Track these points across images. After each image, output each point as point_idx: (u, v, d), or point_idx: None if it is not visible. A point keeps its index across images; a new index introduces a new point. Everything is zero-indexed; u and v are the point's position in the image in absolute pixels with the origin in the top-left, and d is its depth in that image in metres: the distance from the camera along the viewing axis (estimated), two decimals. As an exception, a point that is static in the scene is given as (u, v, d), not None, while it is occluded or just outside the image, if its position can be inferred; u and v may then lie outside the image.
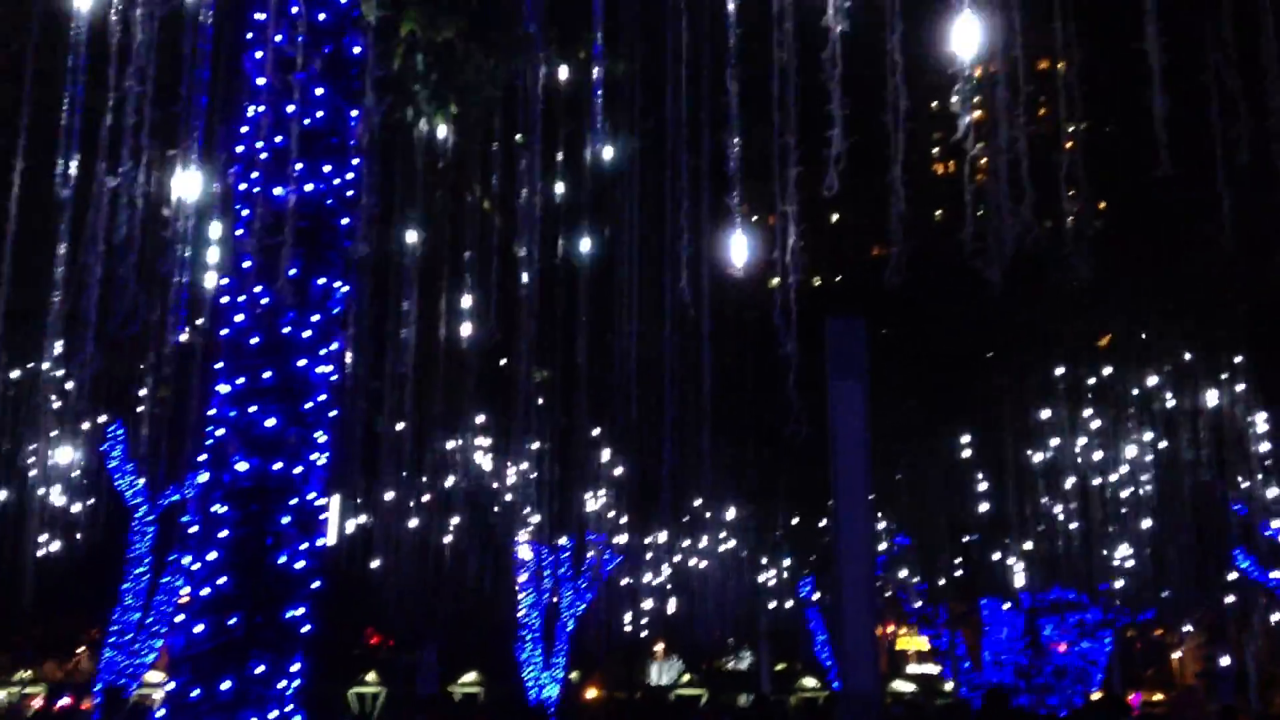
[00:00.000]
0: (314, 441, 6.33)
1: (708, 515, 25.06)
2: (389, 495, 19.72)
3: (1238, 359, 17.54)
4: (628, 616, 31.69)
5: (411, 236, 11.08)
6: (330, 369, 6.50)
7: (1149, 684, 41.76)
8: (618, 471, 21.89)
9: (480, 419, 19.95)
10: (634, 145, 10.47)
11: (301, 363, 6.37)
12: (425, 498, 21.15)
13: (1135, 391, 18.95)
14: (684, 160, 8.19)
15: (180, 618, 5.97)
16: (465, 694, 34.87)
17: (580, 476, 20.60)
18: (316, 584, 6.19)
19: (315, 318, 6.46)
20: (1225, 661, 30.18)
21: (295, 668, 6.00)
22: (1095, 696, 24.99)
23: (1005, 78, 6.76)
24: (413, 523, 21.26)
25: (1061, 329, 18.38)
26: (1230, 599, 27.70)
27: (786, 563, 29.14)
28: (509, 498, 22.03)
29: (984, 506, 23.17)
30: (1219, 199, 7.13)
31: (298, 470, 6.22)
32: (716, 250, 9.60)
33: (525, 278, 10.97)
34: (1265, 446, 18.84)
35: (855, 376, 11.56)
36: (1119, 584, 23.63)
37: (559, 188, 11.17)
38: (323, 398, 6.42)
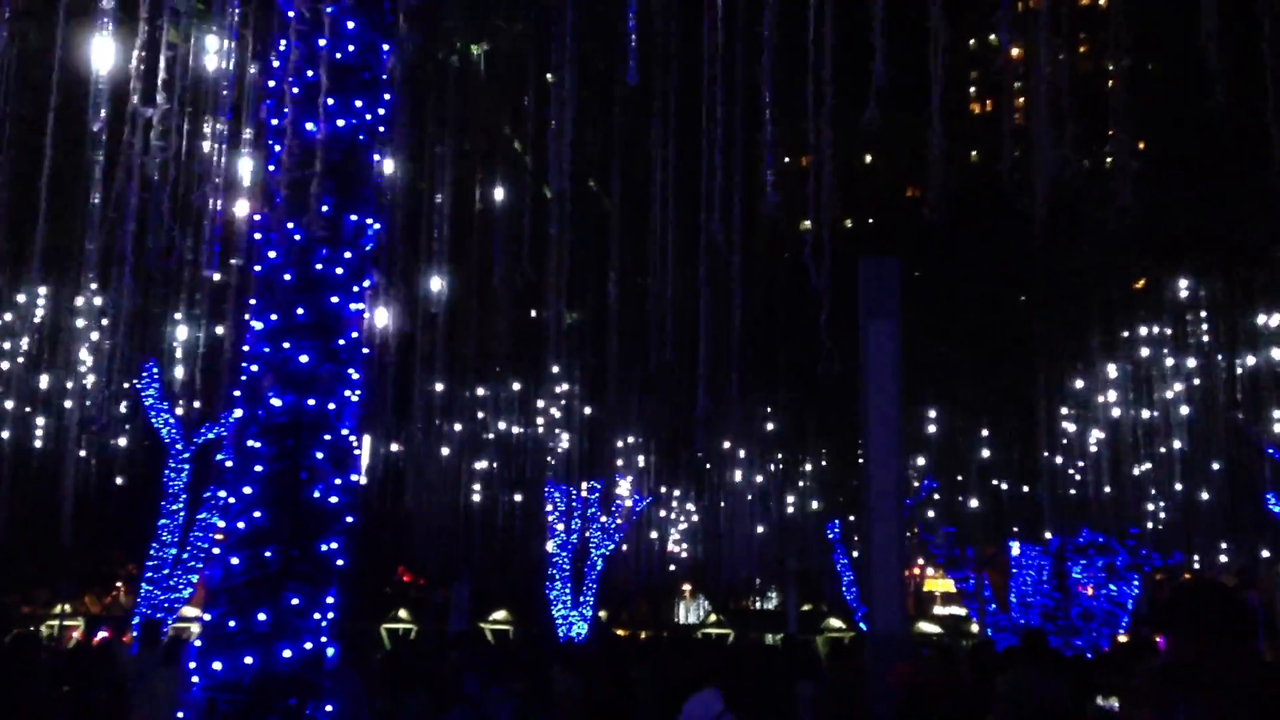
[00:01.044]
0: (347, 378, 6.34)
1: (738, 456, 25.13)
2: (421, 436, 19.88)
3: (1270, 302, 17.25)
4: (656, 557, 31.97)
5: (444, 175, 11.02)
6: (363, 306, 6.49)
7: (1177, 628, 41.67)
8: (649, 413, 21.95)
9: (512, 362, 20.04)
10: (669, 83, 10.33)
11: (334, 299, 6.36)
12: (457, 439, 21.31)
13: (1170, 335, 18.71)
14: (719, 99, 8.07)
15: (216, 551, 6.03)
16: (496, 631, 35.40)
17: (611, 418, 20.67)
18: (350, 519, 6.23)
19: (348, 254, 6.43)
20: (1255, 605, 30.06)
21: (329, 601, 6.07)
22: (1122, 639, 25.03)
23: (1047, 11, 6.59)
24: (445, 463, 21.47)
25: (1099, 271, 18.15)
26: (1261, 544, 27.56)
27: (815, 504, 29.23)
28: (540, 438, 22.17)
29: (1014, 449, 23.07)
30: (1268, 139, 6.95)
31: (331, 406, 6.23)
32: (750, 191, 9.50)
33: (557, 217, 10.92)
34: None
35: (888, 316, 11.51)
36: (1150, 527, 23.55)
37: (591, 126, 11.07)
38: (355, 334, 6.41)
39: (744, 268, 11.59)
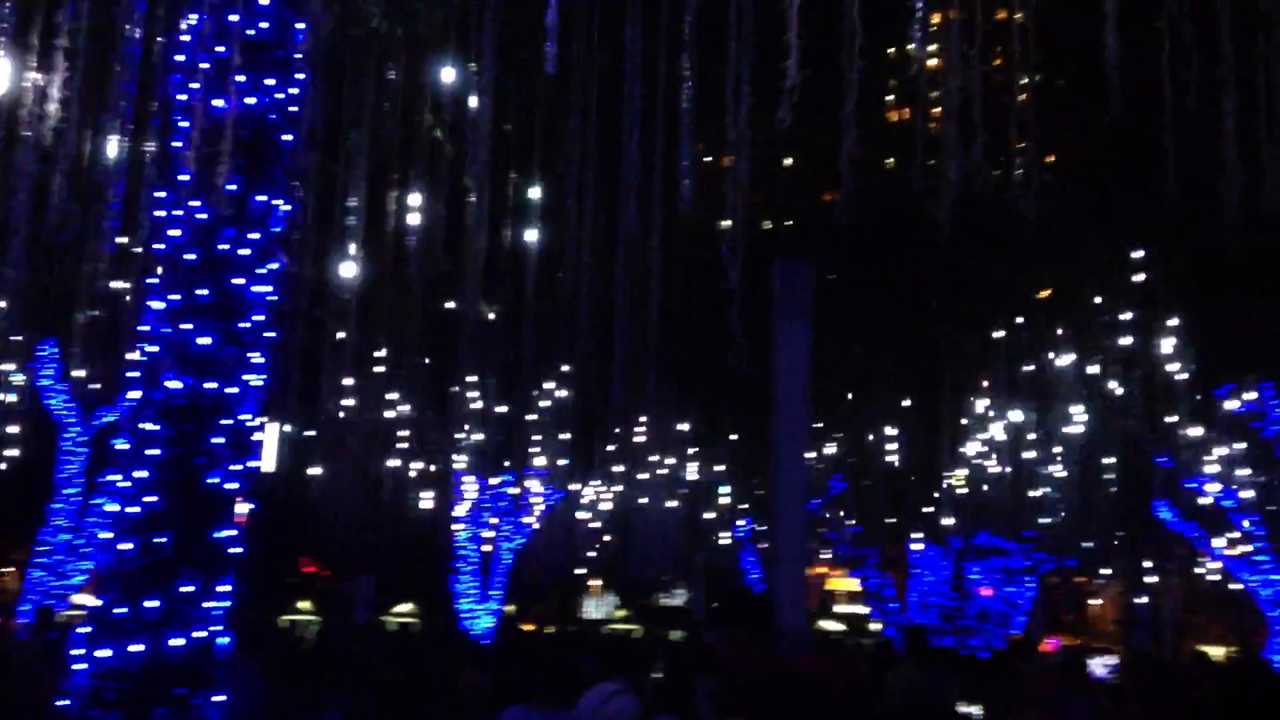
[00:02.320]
0: (249, 362, 6.21)
1: (649, 453, 25.22)
2: (329, 425, 19.57)
3: (1171, 313, 17.88)
4: (567, 552, 31.92)
5: (358, 159, 10.85)
6: (269, 289, 6.36)
7: (1069, 629, 43.09)
8: (562, 407, 21.90)
9: (425, 352, 19.82)
10: (590, 78, 10.30)
11: (239, 281, 6.23)
12: (366, 429, 21.01)
13: (1071, 343, 19.28)
14: (638, 97, 8.08)
15: (108, 536, 5.86)
16: (400, 624, 34.98)
17: (524, 411, 20.57)
18: (248, 505, 6.11)
19: (254, 235, 6.30)
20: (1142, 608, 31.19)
21: (224, 589, 5.94)
22: (1016, 638, 25.72)
23: (961, 26, 6.73)
24: (353, 453, 21.15)
25: (1006, 279, 18.62)
26: (1150, 548, 28.54)
27: (725, 501, 29.47)
28: (451, 431, 21.97)
29: (919, 451, 23.54)
30: (1167, 150, 7.18)
31: (232, 390, 6.10)
32: (668, 189, 9.53)
33: (473, 208, 10.82)
34: (1192, 400, 19.31)
35: (800, 317, 11.67)
36: (1045, 529, 24.23)
37: (511, 117, 10.99)
38: (260, 318, 6.29)
39: (661, 265, 11.64)
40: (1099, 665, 14.40)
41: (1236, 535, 22.93)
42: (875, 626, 34.66)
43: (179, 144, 6.40)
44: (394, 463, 22.62)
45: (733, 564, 33.12)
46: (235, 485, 6.08)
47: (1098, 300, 18.40)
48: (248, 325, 6.22)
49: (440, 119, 11.14)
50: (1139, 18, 6.73)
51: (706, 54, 7.37)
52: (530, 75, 9.73)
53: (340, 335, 14.52)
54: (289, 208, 6.60)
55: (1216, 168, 6.22)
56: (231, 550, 6.01)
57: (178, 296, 6.18)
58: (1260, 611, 23.30)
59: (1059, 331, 19.38)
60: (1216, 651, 38.26)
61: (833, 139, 7.37)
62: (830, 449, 24.76)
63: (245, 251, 6.25)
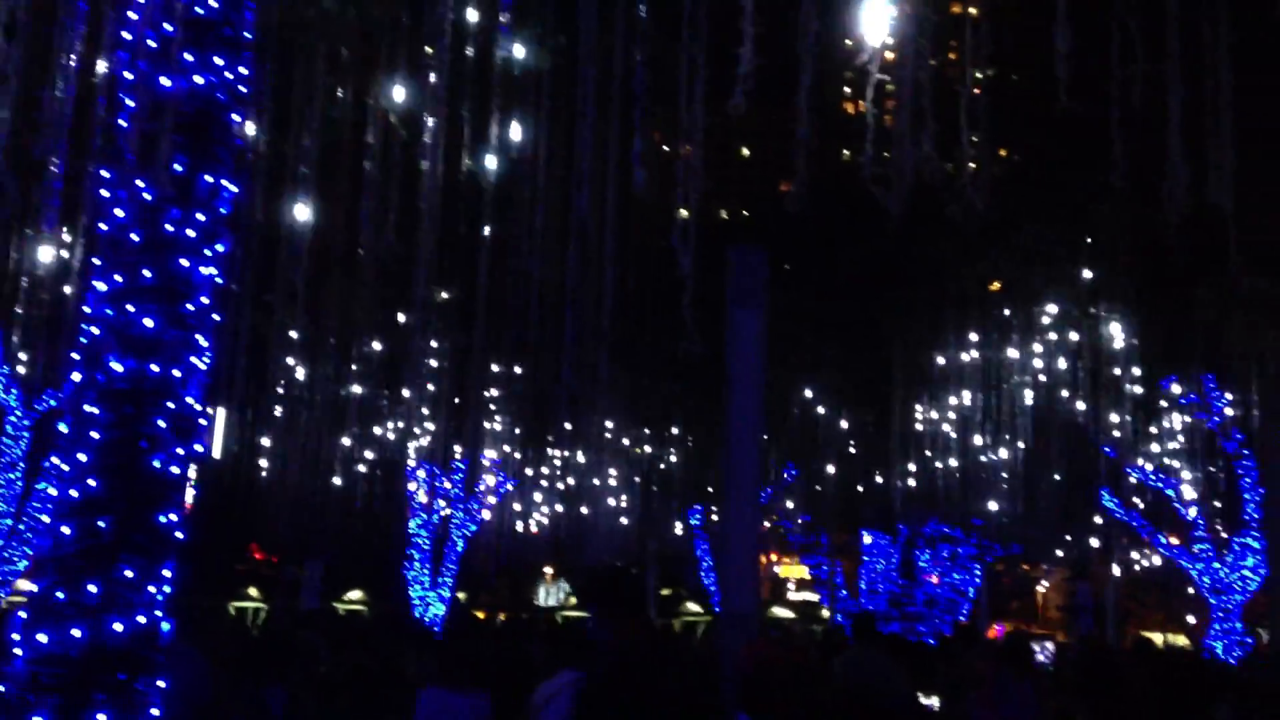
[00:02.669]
0: (194, 344, 6.10)
1: (602, 440, 25.22)
2: (278, 410, 19.36)
3: (1116, 305, 18.16)
4: (519, 539, 31.85)
5: (309, 139, 10.70)
6: (214, 271, 6.25)
7: (1014, 615, 43.81)
8: (515, 394, 21.82)
9: (376, 336, 19.66)
10: (544, 61, 10.24)
11: (184, 262, 6.11)
12: (316, 414, 20.81)
13: (1018, 335, 19.53)
14: (592, 83, 8.04)
15: (47, 519, 5.75)
16: (349, 611, 34.80)
17: (477, 397, 20.47)
18: (191, 490, 6.02)
19: (200, 217, 6.18)
20: (1086, 595, 31.77)
21: (166, 574, 5.85)
22: (962, 624, 26.11)
23: (917, 18, 6.77)
24: (302, 438, 20.95)
25: (957, 270, 18.81)
26: (1094, 537, 29.06)
27: (678, 489, 29.57)
28: (403, 416, 21.82)
29: (869, 440, 23.75)
30: (1118, 146, 7.28)
31: (176, 373, 6.00)
32: (625, 175, 9.50)
33: (426, 190, 10.73)
34: (1136, 392, 19.66)
35: (754, 305, 11.65)
36: (991, 519, 24.58)
37: (465, 98, 10.88)
38: (205, 300, 6.18)
39: (615, 251, 11.61)
40: (1039, 651, 14.65)
41: (1179, 524, 23.42)
42: (825, 613, 35.04)
43: (123, 123, 6.27)
44: (345, 446, 22.43)
45: (686, 551, 33.28)
46: (179, 470, 5.98)
47: (1045, 291, 18.65)
48: (193, 308, 6.11)
49: (391, 101, 11.01)
50: (1091, 12, 6.82)
51: (666, 40, 7.36)
52: (486, 57, 9.65)
53: (290, 319, 14.37)
54: (236, 189, 6.49)
55: (1161, 162, 6.33)
56: (174, 535, 5.92)
57: (121, 278, 6.06)
58: (1201, 598, 23.81)
59: (1007, 322, 19.63)
60: (1158, 637, 39.08)
61: (788, 129, 7.39)
62: (784, 437, 24.90)
63: (191, 232, 6.14)
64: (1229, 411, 20.59)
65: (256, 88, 7.48)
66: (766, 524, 31.21)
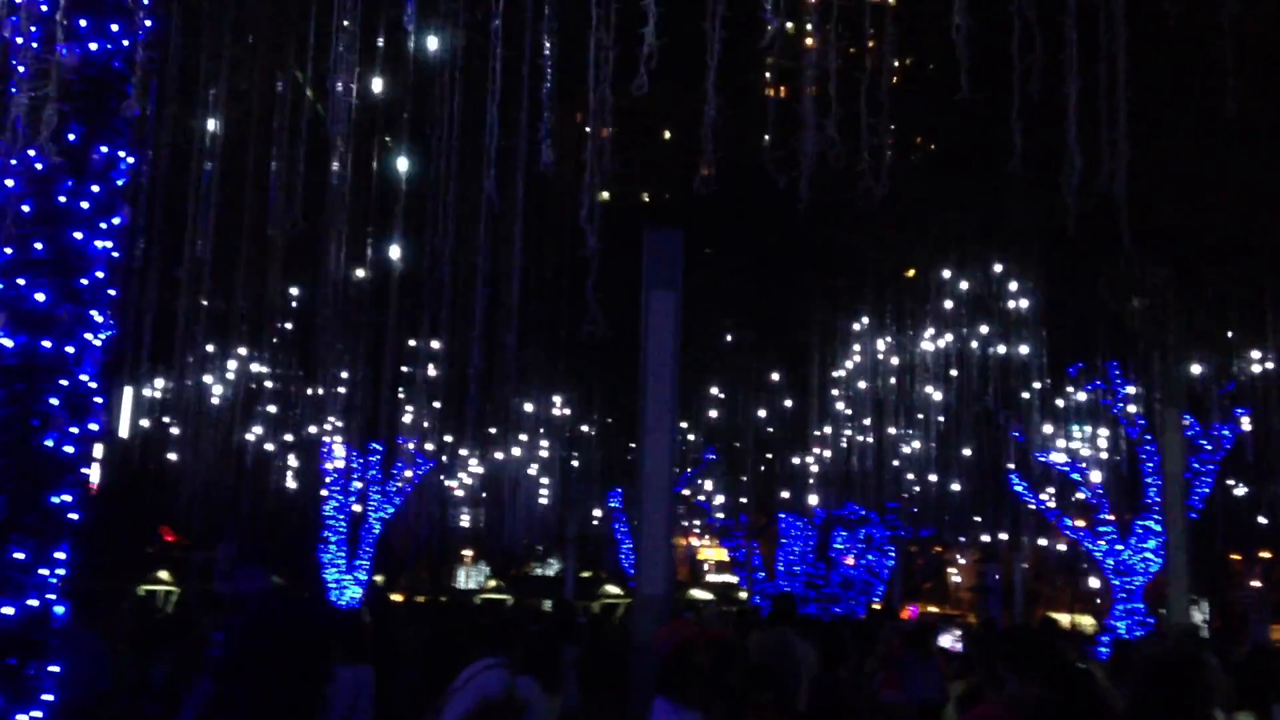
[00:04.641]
0: (89, 320, 5.93)
1: (522, 422, 25.13)
2: (187, 389, 18.91)
3: (1025, 292, 18.57)
4: (437, 521, 31.62)
5: (215, 112, 10.46)
6: (110, 245, 6.08)
7: (926, 596, 44.78)
8: (433, 374, 21.61)
9: (289, 314, 19.32)
10: (457, 41, 10.12)
11: (78, 235, 5.94)
12: (228, 392, 20.40)
13: (930, 321, 19.88)
14: (501, 62, 7.95)
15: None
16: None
17: (393, 378, 20.21)
18: (86, 470, 5.87)
19: (95, 188, 6.01)
20: (995, 577, 32.59)
21: (59, 556, 5.69)
22: (876, 606, 26.60)
23: (825, 4, 6.83)
24: (214, 418, 20.51)
25: (871, 256, 19.08)
26: (1004, 520, 29.78)
27: (598, 471, 29.61)
28: (319, 396, 21.49)
29: (787, 423, 24.00)
30: (1028, 136, 7.41)
31: (69, 349, 5.83)
32: (539, 155, 9.43)
33: (336, 167, 10.55)
34: (1043, 378, 20.15)
35: (669, 287, 11.69)
36: (905, 503, 25.05)
37: (376, 77, 10.73)
38: (100, 274, 6.01)
39: (531, 232, 11.55)
40: (949, 636, 15.02)
41: (1084, 507, 24.11)
42: (743, 595, 35.44)
43: (13, 90, 6.06)
44: (258, 428, 22.03)
45: (606, 533, 33.37)
46: (73, 449, 5.82)
47: (957, 279, 19.01)
48: (87, 282, 5.94)
49: (304, 76, 10.81)
50: (1000, 2, 6.94)
51: (582, 22, 7.32)
52: (397, 35, 9.51)
53: (201, 296, 14.03)
54: (134, 160, 6.31)
55: (1059, 152, 6.48)
56: (68, 516, 5.76)
57: (10, 250, 5.87)
58: (1105, 579, 24.54)
59: (920, 308, 19.97)
60: (1064, 617, 40.21)
61: (714, 112, 7.41)
62: (702, 420, 25.07)
63: (85, 204, 5.96)
64: (1132, 398, 21.24)
65: (157, 55, 7.27)
66: (684, 507, 31.44)
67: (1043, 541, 33.94)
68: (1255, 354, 19.45)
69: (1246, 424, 21.30)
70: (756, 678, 7.23)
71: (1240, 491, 25.87)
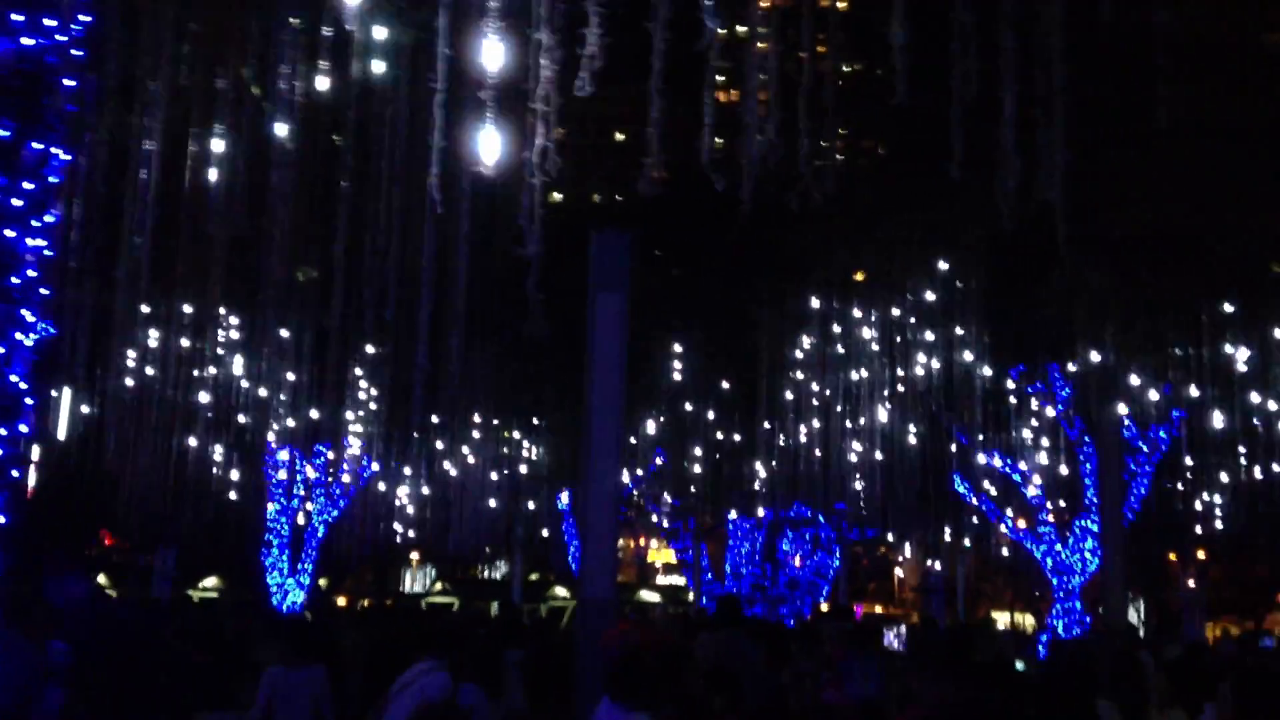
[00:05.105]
0: (20, 319, 5.82)
1: (470, 426, 25.00)
2: (127, 391, 18.60)
3: (968, 297, 18.79)
4: (383, 524, 31.33)
5: (154, 109, 10.28)
6: (43, 242, 5.97)
7: (871, 596, 45.20)
8: (380, 378, 21.42)
9: (231, 314, 19.05)
10: (404, 37, 10.04)
11: (9, 233, 5.82)
12: (169, 394, 20.06)
13: (877, 325, 20.05)
14: (446, 56, 7.89)
15: None
16: (204, 598, 33.75)
17: (339, 381, 20.02)
18: (18, 472, 5.74)
19: (27, 185, 5.90)
20: (938, 577, 32.98)
21: (-12, 559, 5.57)
22: (824, 607, 26.78)
23: (785, 13, 6.88)
24: (155, 420, 20.17)
25: (821, 260, 19.20)
26: (948, 521, 30.13)
27: (547, 473, 29.51)
28: (262, 399, 21.21)
29: (735, 426, 24.09)
30: (973, 141, 7.50)
31: (-1, 349, 5.72)
32: (479, 155, 9.37)
33: (281, 166, 10.42)
34: (986, 381, 20.41)
35: (617, 289, 11.69)
36: (851, 504, 25.24)
37: (320, 75, 10.59)
38: (32, 273, 5.90)
39: (478, 234, 11.49)
40: (892, 636, 15.17)
41: (1025, 508, 24.45)
42: (691, 597, 35.52)
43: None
44: (200, 430, 21.69)
45: (555, 537, 33.24)
46: (2, 451, 5.70)
47: (904, 282, 19.19)
48: (18, 281, 5.82)
49: (247, 71, 10.67)
50: (946, 12, 7.03)
51: (528, 23, 7.29)
52: (340, 31, 9.40)
53: (144, 296, 13.79)
54: (69, 157, 6.20)
55: (1005, 159, 6.58)
56: (-3, 519, 5.64)
57: (-61, 247, 5.74)
58: (1045, 579, 24.89)
59: (868, 311, 20.14)
60: (1005, 616, 40.77)
61: (660, 115, 7.43)
62: (650, 422, 25.09)
63: (17, 201, 5.85)
64: (1071, 400, 21.58)
65: (94, 51, 7.15)
66: (633, 510, 31.45)
67: (987, 542, 34.39)
68: (1192, 357, 19.87)
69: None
70: (712, 682, 7.24)
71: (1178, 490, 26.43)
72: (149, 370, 18.69)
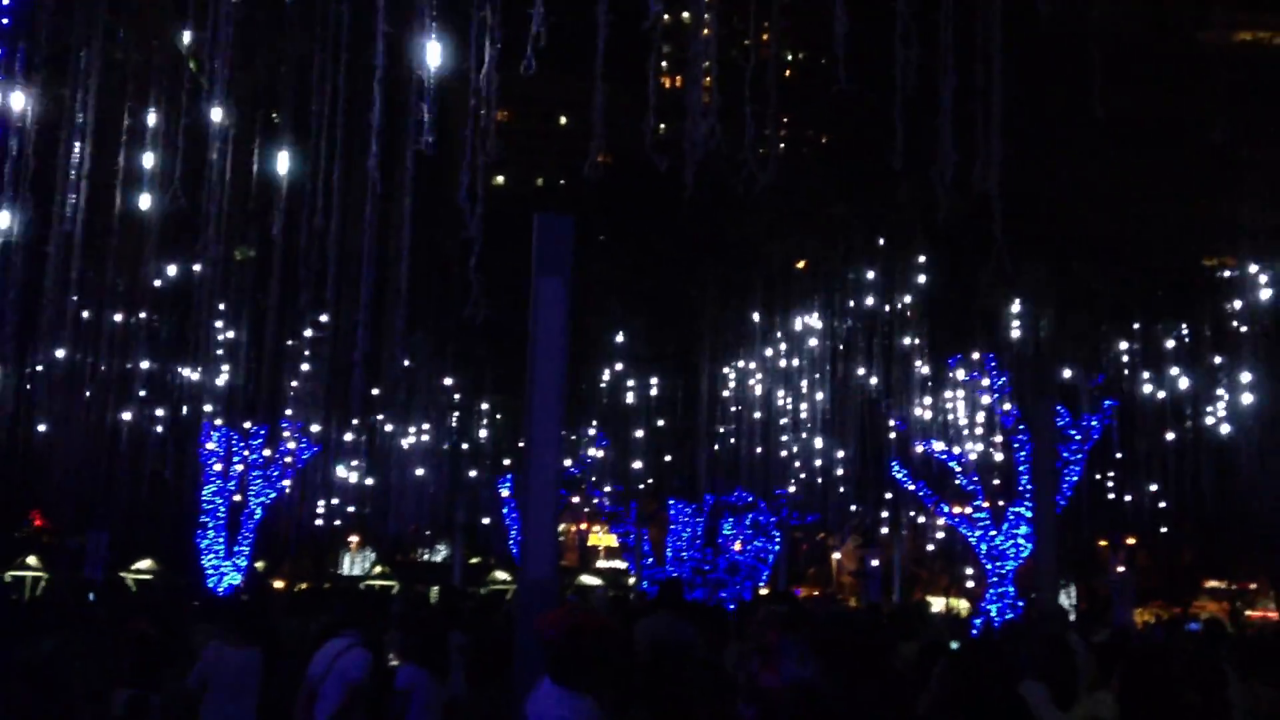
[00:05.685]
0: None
1: (411, 407, 24.84)
2: (58, 367, 18.19)
3: (907, 285, 19.04)
4: (323, 507, 31.05)
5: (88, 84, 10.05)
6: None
7: (810, 581, 45.73)
8: (319, 357, 21.18)
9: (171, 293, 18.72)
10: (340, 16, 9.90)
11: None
12: (101, 371, 19.66)
13: (818, 312, 20.24)
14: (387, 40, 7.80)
15: None
16: (140, 581, 33.23)
17: (277, 362, 19.75)
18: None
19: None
20: (875, 562, 33.38)
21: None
22: (764, 591, 27.04)
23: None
24: (87, 399, 19.77)
25: (763, 247, 19.33)
26: (885, 507, 30.53)
27: (488, 456, 29.42)
28: (198, 376, 20.86)
29: (678, 410, 24.18)
30: (915, 133, 7.58)
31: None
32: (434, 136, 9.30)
33: (217, 144, 10.25)
34: (924, 369, 20.71)
35: (559, 274, 11.65)
36: (791, 489, 25.49)
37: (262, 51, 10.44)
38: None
39: (422, 215, 11.40)
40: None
41: (960, 494, 24.86)
42: (633, 580, 35.66)
43: None
44: (134, 408, 21.29)
45: (496, 521, 33.17)
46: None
47: (845, 272, 19.39)
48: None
49: (183, 47, 10.46)
50: (882, 2, 7.09)
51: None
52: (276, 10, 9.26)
53: (71, 271, 13.48)
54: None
55: (948, 149, 6.67)
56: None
57: None
58: (980, 565, 25.35)
59: (810, 299, 20.31)
60: (941, 601, 41.42)
61: (609, 99, 7.43)
62: (593, 406, 25.11)
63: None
64: (1006, 389, 21.96)
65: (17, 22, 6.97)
66: (576, 494, 31.48)
67: (924, 528, 34.92)
68: (1124, 349, 20.32)
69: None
70: (647, 664, 7.27)
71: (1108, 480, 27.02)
72: (81, 346, 18.31)
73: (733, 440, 23.56)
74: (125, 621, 11.10)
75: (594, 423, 26.01)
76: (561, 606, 11.31)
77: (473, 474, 29.82)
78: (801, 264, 20.84)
